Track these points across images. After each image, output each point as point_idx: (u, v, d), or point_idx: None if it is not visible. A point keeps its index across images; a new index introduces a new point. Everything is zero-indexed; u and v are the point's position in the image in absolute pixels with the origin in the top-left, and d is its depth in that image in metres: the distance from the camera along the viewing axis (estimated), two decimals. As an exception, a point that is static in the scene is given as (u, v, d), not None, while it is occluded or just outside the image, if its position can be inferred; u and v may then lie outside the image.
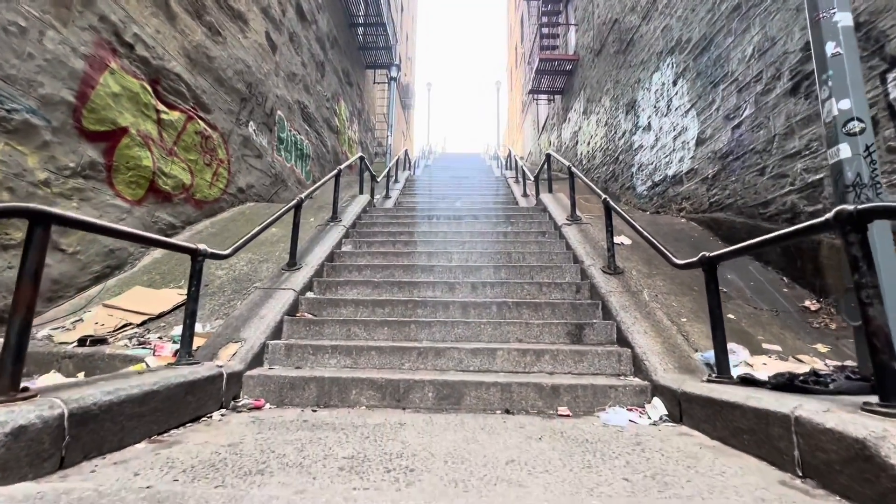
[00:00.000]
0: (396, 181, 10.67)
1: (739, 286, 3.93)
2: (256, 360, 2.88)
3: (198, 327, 3.21)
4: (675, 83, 6.22)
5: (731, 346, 2.58)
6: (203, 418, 2.22)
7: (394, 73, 13.37)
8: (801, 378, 1.89)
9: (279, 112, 7.60)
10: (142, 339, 2.98)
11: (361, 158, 6.86)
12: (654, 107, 6.87)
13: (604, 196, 4.01)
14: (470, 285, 3.91)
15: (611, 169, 8.79)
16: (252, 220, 5.75)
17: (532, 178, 7.74)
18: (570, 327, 3.26)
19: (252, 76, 6.56)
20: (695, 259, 2.45)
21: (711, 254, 2.33)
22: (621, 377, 2.84)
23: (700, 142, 5.55)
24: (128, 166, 4.21)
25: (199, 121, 5.30)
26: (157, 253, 4.53)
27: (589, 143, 10.40)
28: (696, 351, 2.81)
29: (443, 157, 20.47)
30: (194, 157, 5.24)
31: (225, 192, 5.93)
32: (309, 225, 5.53)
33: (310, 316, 3.50)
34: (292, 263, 3.99)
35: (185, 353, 2.41)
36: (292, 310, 3.51)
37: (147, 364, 2.54)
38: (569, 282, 3.97)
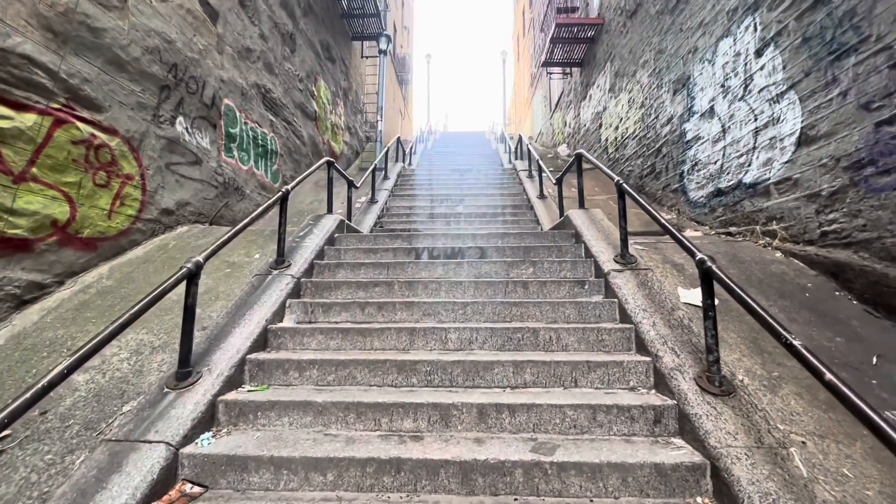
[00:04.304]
0: (386, 177, 9.01)
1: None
2: None
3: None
4: (758, 53, 4.44)
5: None
6: None
7: (383, 45, 11.42)
8: None
9: (227, 101, 5.88)
10: None
11: (330, 164, 5.17)
12: (722, 86, 5.09)
13: (700, 255, 2.37)
14: (476, 411, 2.34)
15: (649, 163, 7.04)
16: (174, 258, 4.16)
17: (554, 181, 6.05)
18: (667, 545, 1.70)
19: (177, 55, 4.84)
20: None
21: None
22: None
23: (806, 140, 3.83)
24: (-79, 212, 2.62)
25: (80, 124, 3.65)
26: (21, 323, 2.98)
27: (617, 128, 8.59)
28: None
29: (444, 140, 18.59)
30: (74, 178, 3.61)
31: (138, 220, 4.32)
32: (248, 269, 3.94)
33: None
34: (184, 375, 2.42)
35: None
36: (158, 489, 1.97)
37: None
38: (638, 401, 2.37)
